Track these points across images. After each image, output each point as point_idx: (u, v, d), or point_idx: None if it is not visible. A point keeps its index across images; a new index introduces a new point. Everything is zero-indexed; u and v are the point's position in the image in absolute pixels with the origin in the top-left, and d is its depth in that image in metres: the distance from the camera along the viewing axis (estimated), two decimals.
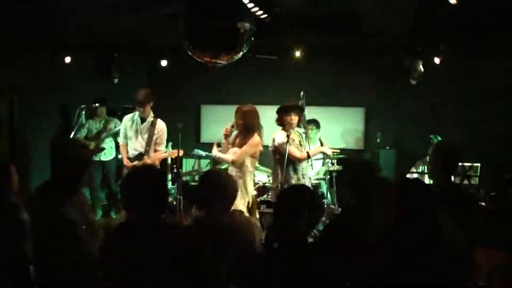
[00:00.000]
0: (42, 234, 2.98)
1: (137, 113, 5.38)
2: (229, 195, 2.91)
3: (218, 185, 2.87)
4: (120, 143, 5.57)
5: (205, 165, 7.63)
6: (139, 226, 2.42)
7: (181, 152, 5.64)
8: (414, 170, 6.34)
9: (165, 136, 5.44)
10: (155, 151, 5.35)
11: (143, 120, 5.34)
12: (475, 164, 6.33)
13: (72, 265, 2.91)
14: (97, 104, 6.88)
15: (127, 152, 5.45)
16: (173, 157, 5.81)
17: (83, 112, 6.66)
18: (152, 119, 5.35)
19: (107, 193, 7.27)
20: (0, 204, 3.07)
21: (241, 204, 4.52)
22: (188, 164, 7.82)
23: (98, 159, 6.83)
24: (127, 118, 5.50)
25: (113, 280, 2.43)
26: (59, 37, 6.79)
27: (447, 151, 3.41)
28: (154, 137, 5.32)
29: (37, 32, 6.37)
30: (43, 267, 2.99)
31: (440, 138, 5.93)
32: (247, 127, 4.65)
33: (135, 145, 5.37)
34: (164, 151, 5.51)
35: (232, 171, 4.62)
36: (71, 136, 6.39)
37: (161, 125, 5.40)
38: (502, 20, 5.31)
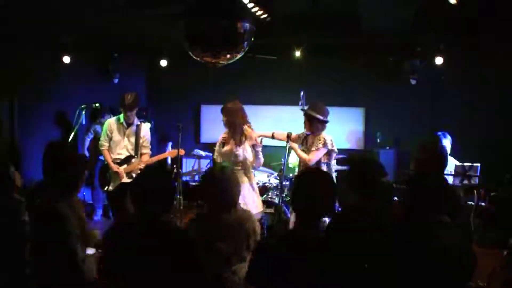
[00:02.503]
0: (40, 233, 2.99)
1: (121, 116, 5.26)
2: (230, 192, 2.93)
3: (220, 182, 2.90)
4: (103, 148, 5.31)
5: (205, 165, 7.64)
6: (141, 224, 2.44)
7: (182, 152, 5.59)
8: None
9: (149, 139, 5.43)
10: (141, 154, 5.32)
11: (128, 124, 5.26)
12: (475, 164, 6.31)
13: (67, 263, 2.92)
14: (97, 104, 6.88)
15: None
16: (172, 156, 5.77)
17: (83, 112, 6.67)
18: (138, 122, 5.33)
19: None
20: (0, 204, 3.07)
21: (259, 201, 4.64)
22: (188, 164, 7.82)
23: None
24: (111, 121, 5.33)
25: (113, 278, 2.44)
26: (59, 37, 6.80)
27: (441, 150, 3.42)
28: (141, 141, 5.28)
29: (37, 32, 6.37)
30: (41, 267, 2.99)
31: (448, 136, 5.86)
32: (231, 124, 4.64)
33: (120, 149, 5.28)
34: (149, 153, 5.44)
35: (240, 171, 4.59)
36: (71, 135, 6.42)
37: (146, 128, 5.42)
38: (502, 20, 5.31)
